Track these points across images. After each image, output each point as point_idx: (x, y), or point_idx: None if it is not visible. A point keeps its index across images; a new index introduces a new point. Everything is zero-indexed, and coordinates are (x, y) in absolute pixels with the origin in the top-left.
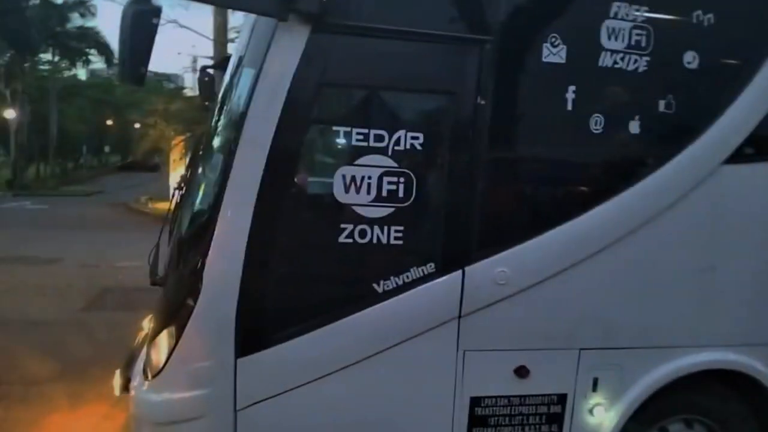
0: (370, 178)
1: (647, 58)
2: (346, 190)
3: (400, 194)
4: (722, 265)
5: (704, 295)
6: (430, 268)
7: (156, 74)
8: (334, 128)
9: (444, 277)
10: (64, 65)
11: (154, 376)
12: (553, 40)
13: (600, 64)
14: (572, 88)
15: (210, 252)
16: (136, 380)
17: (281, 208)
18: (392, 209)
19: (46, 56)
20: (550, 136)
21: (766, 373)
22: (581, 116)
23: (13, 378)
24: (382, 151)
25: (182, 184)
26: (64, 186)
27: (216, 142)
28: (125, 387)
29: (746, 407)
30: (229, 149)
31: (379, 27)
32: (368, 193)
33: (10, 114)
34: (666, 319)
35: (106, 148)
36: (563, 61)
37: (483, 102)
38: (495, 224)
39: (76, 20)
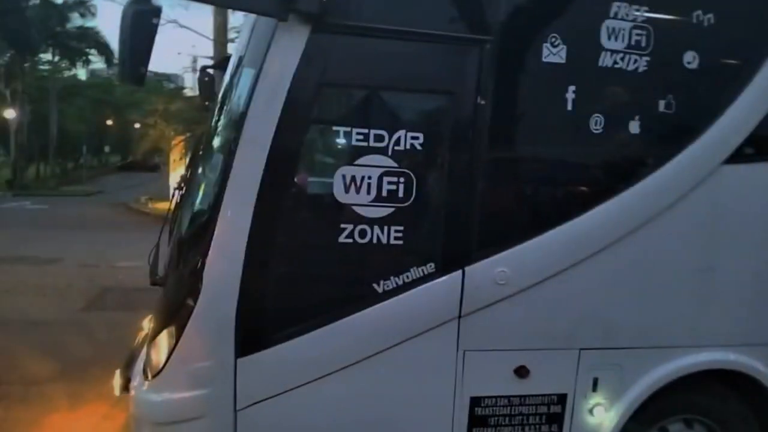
0: (370, 178)
1: (647, 58)
2: (346, 190)
3: (400, 194)
4: (722, 265)
5: (704, 295)
6: (430, 268)
7: (156, 74)
8: (334, 128)
9: (444, 277)
10: (64, 65)
11: (154, 376)
12: (553, 40)
13: (600, 64)
14: (572, 88)
15: (210, 252)
16: (136, 380)
17: (281, 208)
18: (392, 209)
19: (46, 56)
20: (550, 136)
21: (767, 373)
22: (581, 116)
23: (14, 378)
24: (382, 151)
25: (182, 184)
26: (64, 186)
27: (216, 142)
28: (125, 387)
29: (746, 407)
30: (229, 149)
31: (379, 27)
32: (368, 193)
33: (10, 114)
34: (666, 319)
35: (106, 148)
36: (563, 61)
37: (483, 102)
38: (495, 224)
39: (76, 20)
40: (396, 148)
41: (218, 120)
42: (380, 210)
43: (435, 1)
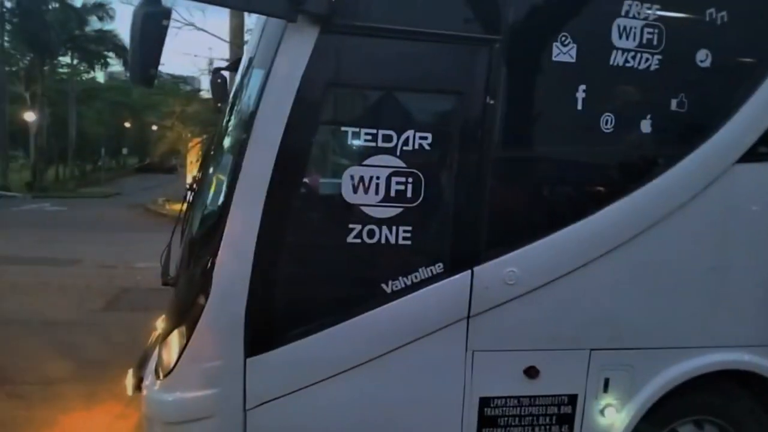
0: (378, 178)
1: (659, 57)
2: (355, 190)
3: (409, 194)
4: (735, 264)
5: (717, 294)
6: (438, 268)
7: (173, 77)
8: (343, 128)
9: (453, 278)
10: (82, 68)
11: (165, 376)
12: (563, 38)
13: (611, 62)
14: (583, 87)
15: (220, 252)
16: (148, 380)
17: (290, 208)
18: (401, 209)
19: (65, 59)
20: (559, 135)
21: None
22: (592, 116)
23: (33, 378)
24: (391, 151)
25: (194, 185)
26: (82, 188)
27: (226, 142)
28: (138, 387)
29: (760, 407)
30: (239, 149)
31: (388, 27)
32: (377, 193)
33: (29, 117)
34: (678, 318)
35: (124, 150)
36: (573, 60)
37: (492, 102)
38: (504, 224)
39: (94, 23)
40: (404, 148)
41: (229, 120)
42: (389, 210)
43: (443, 1)
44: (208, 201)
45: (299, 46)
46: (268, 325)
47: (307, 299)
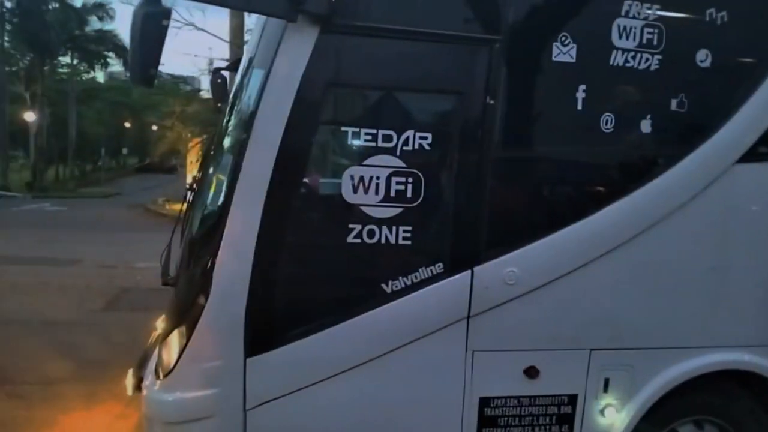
0: (378, 178)
1: (659, 57)
2: (355, 190)
3: (409, 194)
4: (735, 264)
5: (717, 294)
6: (438, 268)
7: (173, 77)
8: (343, 128)
9: (453, 278)
10: (82, 68)
11: (165, 376)
12: (563, 38)
13: (611, 62)
14: (582, 87)
15: (219, 252)
16: (148, 380)
17: (290, 207)
18: (401, 209)
19: (65, 59)
20: (559, 135)
21: None
22: (592, 116)
23: (33, 378)
24: (391, 151)
25: (194, 185)
26: (82, 188)
27: (226, 142)
28: (138, 387)
29: (760, 407)
30: (239, 149)
31: (388, 27)
32: (377, 193)
33: (29, 117)
34: (678, 318)
35: (124, 150)
36: (573, 60)
37: (492, 102)
38: (504, 224)
39: (94, 23)
40: (404, 148)
41: (229, 120)
42: (389, 210)
43: (443, 1)
44: (208, 201)
45: (299, 46)
46: (268, 325)
47: (307, 299)
